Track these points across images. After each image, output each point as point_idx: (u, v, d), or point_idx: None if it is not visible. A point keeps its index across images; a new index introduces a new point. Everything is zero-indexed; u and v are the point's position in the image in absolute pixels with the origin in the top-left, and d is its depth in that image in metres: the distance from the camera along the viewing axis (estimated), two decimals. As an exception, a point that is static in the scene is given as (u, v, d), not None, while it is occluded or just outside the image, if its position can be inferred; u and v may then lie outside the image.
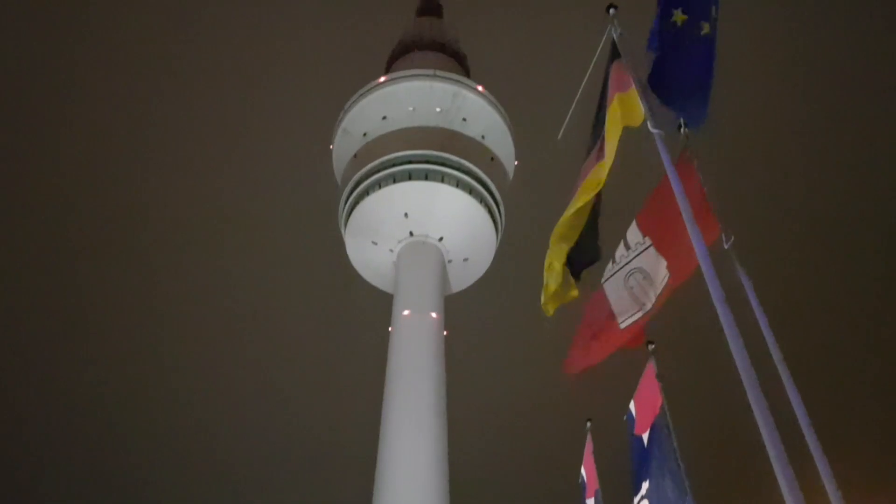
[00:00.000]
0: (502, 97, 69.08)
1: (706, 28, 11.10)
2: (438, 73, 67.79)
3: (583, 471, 17.39)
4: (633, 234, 12.06)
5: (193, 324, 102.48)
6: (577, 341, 12.08)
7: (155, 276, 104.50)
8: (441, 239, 65.38)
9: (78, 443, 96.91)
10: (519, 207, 70.94)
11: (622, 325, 11.51)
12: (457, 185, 64.38)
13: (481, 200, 65.75)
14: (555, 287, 11.61)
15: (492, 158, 68.45)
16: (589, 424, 18.03)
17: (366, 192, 64.88)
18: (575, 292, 11.84)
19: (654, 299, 11.33)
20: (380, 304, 67.73)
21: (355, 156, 67.40)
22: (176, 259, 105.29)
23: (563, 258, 11.60)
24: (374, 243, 66.34)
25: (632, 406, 13.90)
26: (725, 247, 10.93)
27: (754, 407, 8.50)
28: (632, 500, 13.73)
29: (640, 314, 11.43)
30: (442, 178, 64.06)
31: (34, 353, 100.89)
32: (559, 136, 13.50)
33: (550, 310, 11.81)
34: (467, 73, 74.13)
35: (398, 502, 59.17)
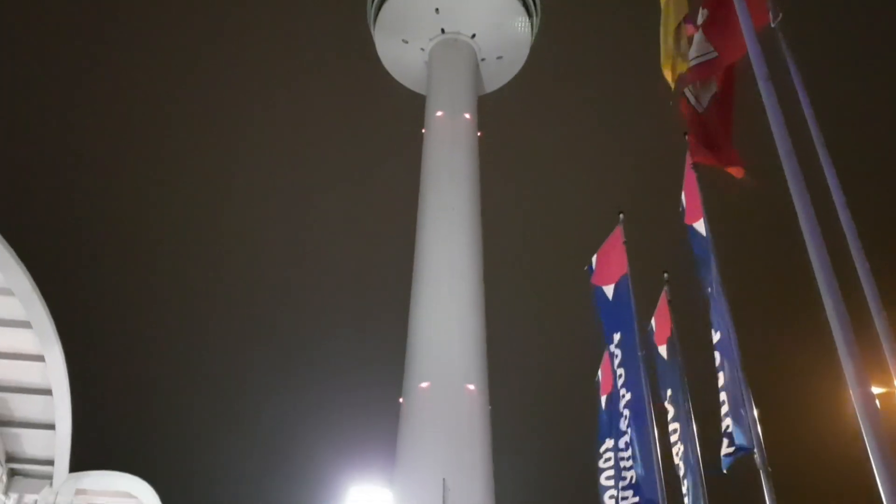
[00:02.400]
0: None
1: None
2: None
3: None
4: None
5: (226, 141, 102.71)
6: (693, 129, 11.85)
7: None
8: (473, 36, 63.27)
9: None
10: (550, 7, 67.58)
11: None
12: (490, -23, 61.58)
13: (516, -7, 62.98)
14: (671, 54, 11.46)
15: (529, -52, 64.71)
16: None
17: (395, -14, 62.47)
18: (684, 66, 11.49)
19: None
20: (412, 107, 66.90)
21: (383, -52, 64.20)
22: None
23: (677, 20, 11.39)
24: (405, 41, 64.47)
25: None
26: (772, 25, 10.38)
27: (794, 192, 8.36)
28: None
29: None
30: (474, -31, 61.12)
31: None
32: None
33: (670, 78, 11.72)
34: None
35: (433, 307, 61.92)
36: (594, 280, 15.74)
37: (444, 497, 62.13)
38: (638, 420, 13.35)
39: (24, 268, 24.17)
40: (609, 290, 15.03)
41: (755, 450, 9.89)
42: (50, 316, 25.76)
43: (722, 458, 10.64)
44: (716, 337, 11.13)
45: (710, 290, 11.73)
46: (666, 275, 14.56)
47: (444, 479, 62.98)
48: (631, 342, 14.50)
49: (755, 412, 10.14)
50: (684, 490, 12.91)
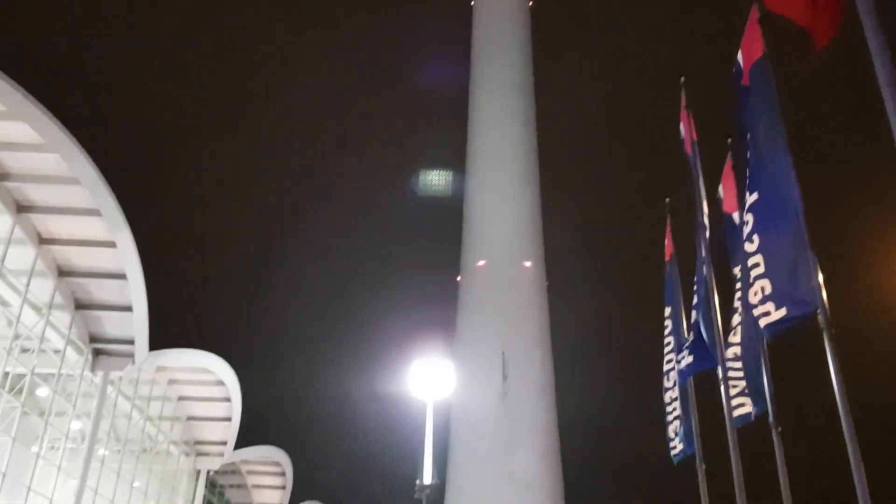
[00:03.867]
0: None
1: None
2: None
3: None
4: None
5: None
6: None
7: None
8: None
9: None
10: None
11: None
12: None
13: None
14: None
15: None
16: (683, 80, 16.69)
17: None
18: None
19: None
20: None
21: None
22: None
23: None
24: None
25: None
26: None
27: None
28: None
29: None
30: None
31: None
32: None
33: None
34: None
35: (488, 186, 61.92)
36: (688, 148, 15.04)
37: (503, 369, 64.00)
38: (698, 284, 13.39)
39: (89, 157, 24.82)
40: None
41: (818, 310, 9.83)
42: (118, 203, 26.62)
43: (775, 322, 10.42)
44: (758, 199, 10.80)
45: (772, 149, 11.31)
46: (730, 140, 14.08)
47: (503, 353, 64.65)
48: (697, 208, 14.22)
49: (819, 273, 10.01)
50: (743, 353, 13.05)
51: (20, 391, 26.65)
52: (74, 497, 28.60)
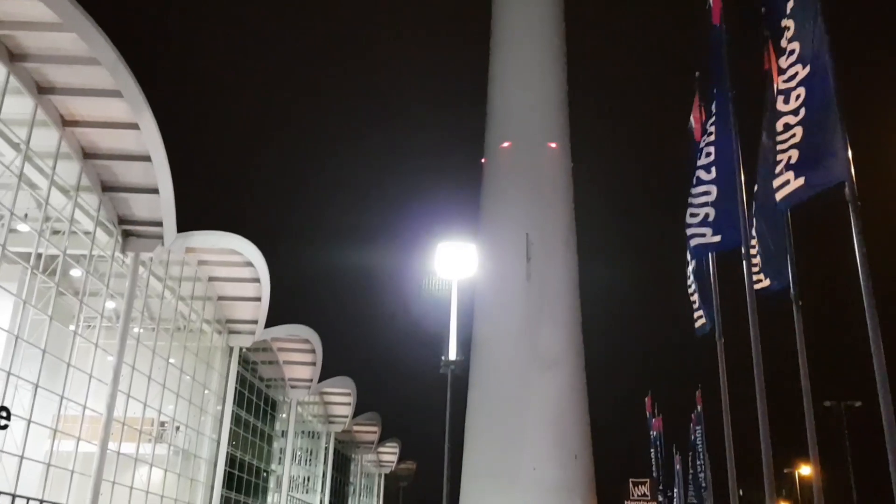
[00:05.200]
0: None
1: None
2: None
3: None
4: None
5: None
6: None
7: None
8: None
9: None
10: None
11: None
12: None
13: None
14: None
15: None
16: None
17: None
18: None
19: None
20: None
21: None
22: None
23: None
24: None
25: None
26: None
27: None
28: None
29: None
30: None
31: None
32: None
33: None
34: None
35: (512, 68, 60.46)
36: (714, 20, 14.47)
37: (527, 251, 64.44)
38: (724, 159, 13.13)
39: (108, 38, 24.44)
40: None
41: (845, 183, 9.62)
42: (138, 84, 26.39)
43: (793, 192, 10.19)
44: (803, 71, 10.41)
45: (808, 18, 10.82)
46: (763, 8, 13.40)
47: (527, 234, 64.89)
48: (723, 85, 13.79)
49: (847, 146, 9.72)
50: (766, 227, 12.94)
51: (54, 272, 27.38)
52: (112, 373, 29.86)
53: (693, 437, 35.68)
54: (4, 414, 23.15)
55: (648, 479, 26.90)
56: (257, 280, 40.23)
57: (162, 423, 35.64)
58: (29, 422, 24.95)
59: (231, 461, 44.23)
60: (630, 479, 25.14)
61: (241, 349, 44.40)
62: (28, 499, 24.88)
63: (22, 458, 24.41)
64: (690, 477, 38.21)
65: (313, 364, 54.16)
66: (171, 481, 36.33)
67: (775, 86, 11.33)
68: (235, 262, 38.56)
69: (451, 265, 38.36)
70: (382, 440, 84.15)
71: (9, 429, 23.62)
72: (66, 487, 27.56)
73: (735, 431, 15.71)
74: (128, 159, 28.62)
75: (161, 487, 35.05)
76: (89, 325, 30.84)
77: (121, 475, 31.13)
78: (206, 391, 41.24)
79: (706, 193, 13.77)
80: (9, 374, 24.23)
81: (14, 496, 23.96)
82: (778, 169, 10.27)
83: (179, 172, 30.04)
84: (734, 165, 12.90)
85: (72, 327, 29.13)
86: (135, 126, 27.08)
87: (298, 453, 61.93)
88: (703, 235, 13.38)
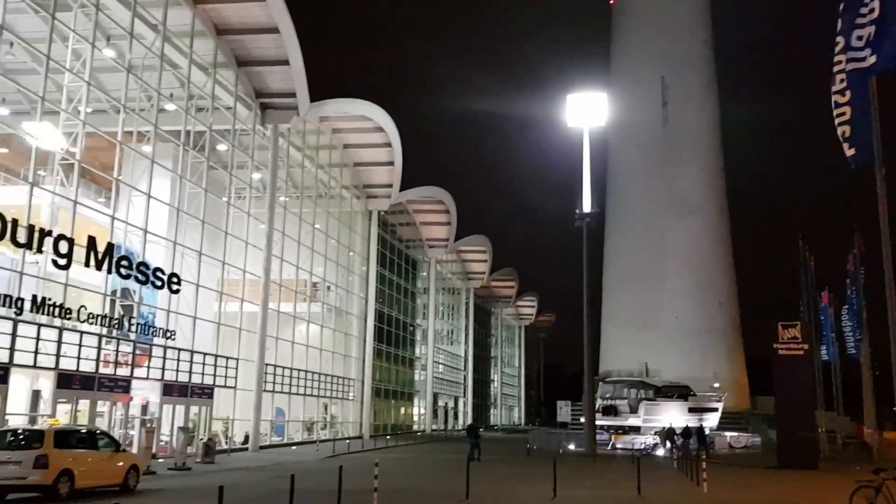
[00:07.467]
0: None
1: None
2: None
3: None
4: None
5: None
6: None
7: None
8: None
9: None
10: None
11: None
12: None
13: None
14: None
15: None
16: None
17: None
18: None
19: None
20: None
21: None
22: None
23: None
24: None
25: None
26: None
27: None
28: None
29: None
30: None
31: None
32: None
33: None
34: None
35: None
36: None
37: (662, 94, 61.64)
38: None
39: None
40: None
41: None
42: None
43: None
44: None
45: None
46: None
47: (662, 77, 61.92)
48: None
49: None
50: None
51: (202, 148, 28.87)
52: (265, 238, 31.76)
53: (848, 280, 34.13)
54: (176, 280, 25.29)
55: (799, 322, 26.19)
56: (389, 145, 40.92)
57: (314, 284, 37.94)
58: (197, 286, 27.18)
59: (379, 317, 46.85)
60: (779, 323, 24.53)
61: (379, 212, 45.94)
62: (205, 354, 27.50)
63: (195, 318, 26.81)
64: (844, 322, 36.93)
65: (448, 224, 55.38)
66: (328, 336, 39.05)
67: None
68: (367, 127, 39.22)
69: (583, 115, 37.44)
70: (520, 294, 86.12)
71: (181, 293, 25.85)
72: (236, 343, 30.20)
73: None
74: (257, 32, 29.12)
75: (319, 341, 37.78)
76: (240, 196, 32.63)
77: (282, 331, 33.72)
78: (351, 253, 43.28)
79: (871, 12, 12.53)
80: (174, 243, 26.26)
81: (192, 352, 26.55)
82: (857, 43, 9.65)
83: (309, 44, 30.39)
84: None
85: (224, 199, 30.96)
86: (261, -2, 27.39)
87: (441, 308, 64.59)
88: (863, 59, 12.24)
